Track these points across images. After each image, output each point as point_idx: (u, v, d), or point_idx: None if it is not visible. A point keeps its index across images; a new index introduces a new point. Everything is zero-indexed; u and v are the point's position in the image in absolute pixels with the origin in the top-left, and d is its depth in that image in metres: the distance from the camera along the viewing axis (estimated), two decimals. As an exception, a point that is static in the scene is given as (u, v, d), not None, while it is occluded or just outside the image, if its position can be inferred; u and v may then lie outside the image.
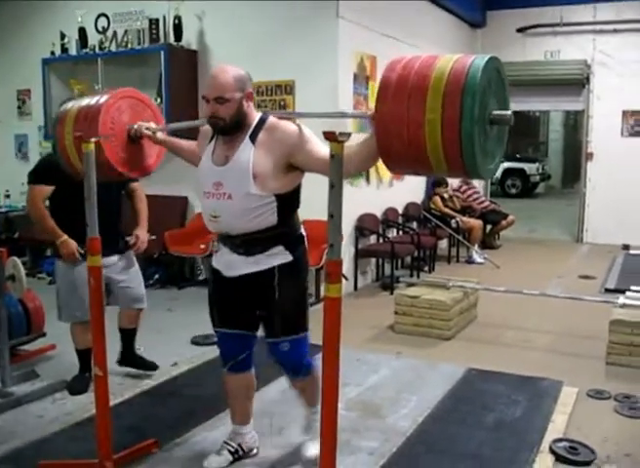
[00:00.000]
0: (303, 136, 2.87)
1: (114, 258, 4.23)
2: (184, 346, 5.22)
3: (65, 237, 4.14)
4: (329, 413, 2.34)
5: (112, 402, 3.56)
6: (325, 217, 2.18)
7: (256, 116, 2.98)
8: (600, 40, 10.32)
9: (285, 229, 3.01)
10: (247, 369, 3.33)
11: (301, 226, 3.17)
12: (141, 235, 4.37)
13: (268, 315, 3.06)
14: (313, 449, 3.12)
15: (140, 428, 3.66)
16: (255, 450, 3.47)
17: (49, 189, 4.08)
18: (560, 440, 3.57)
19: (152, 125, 3.28)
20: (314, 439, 3.02)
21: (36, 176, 4.19)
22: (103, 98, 3.14)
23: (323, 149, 2.79)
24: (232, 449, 3.38)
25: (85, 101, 3.20)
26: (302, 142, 2.86)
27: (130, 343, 4.53)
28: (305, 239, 3.17)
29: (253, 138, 2.92)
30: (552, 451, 3.44)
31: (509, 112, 2.37)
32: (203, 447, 3.50)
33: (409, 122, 2.21)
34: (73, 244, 4.10)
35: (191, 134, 3.45)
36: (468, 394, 4.29)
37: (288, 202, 2.99)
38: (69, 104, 3.27)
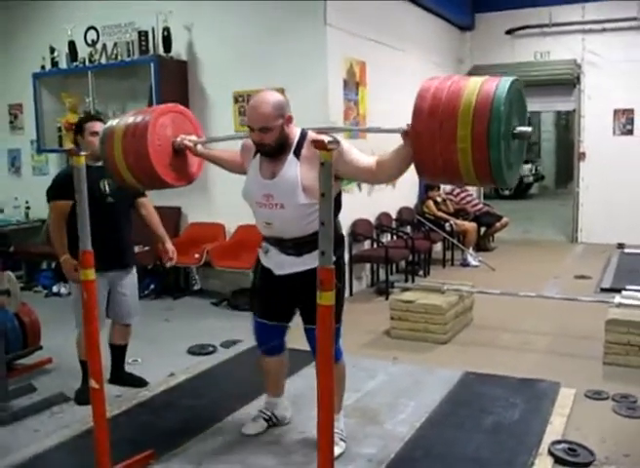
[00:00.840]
0: (343, 147, 3.11)
1: (125, 272, 4.38)
2: (181, 356, 5.21)
3: (66, 256, 4.14)
4: (325, 420, 2.35)
5: (110, 414, 3.57)
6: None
7: (296, 133, 3.28)
8: (589, 40, 10.35)
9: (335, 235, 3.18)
10: (279, 352, 3.70)
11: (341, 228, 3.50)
12: (170, 246, 4.49)
13: (310, 307, 3.06)
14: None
15: (138, 440, 3.65)
16: (287, 420, 3.87)
17: (69, 204, 4.01)
18: (559, 442, 3.57)
19: (194, 138, 3.55)
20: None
21: (56, 192, 4.25)
22: (149, 116, 3.39)
23: (361, 159, 3.20)
24: (267, 417, 3.81)
25: (130, 119, 3.43)
26: (342, 154, 3.10)
27: (120, 360, 4.61)
28: (345, 239, 3.54)
29: (297, 154, 3.23)
30: (551, 454, 3.44)
31: (530, 129, 2.69)
32: (201, 457, 3.49)
33: (442, 149, 2.54)
34: (72, 262, 4.04)
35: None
36: (466, 398, 4.29)
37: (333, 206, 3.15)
38: (114, 122, 3.49)
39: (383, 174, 3.18)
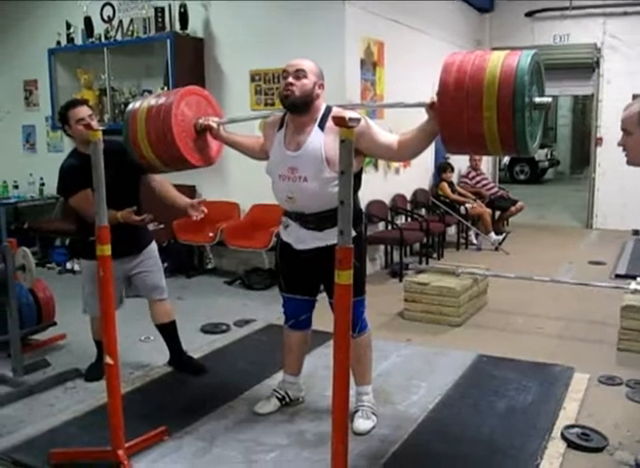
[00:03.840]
0: (367, 123, 3.21)
1: (136, 255, 4.24)
2: (194, 334, 5.22)
3: (121, 213, 3.87)
4: (340, 400, 2.34)
5: (124, 390, 3.58)
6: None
7: (322, 106, 3.33)
8: (610, 23, 10.20)
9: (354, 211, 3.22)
10: (306, 327, 3.75)
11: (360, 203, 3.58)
12: (188, 200, 4.28)
13: (332, 280, 3.08)
14: (364, 425, 3.53)
15: (151, 416, 3.67)
16: (300, 399, 3.89)
17: (89, 192, 3.70)
18: (572, 426, 3.56)
19: (215, 119, 3.61)
20: (363, 415, 3.56)
21: (73, 186, 4.02)
22: (172, 97, 3.48)
23: (383, 136, 3.26)
24: (280, 396, 3.82)
25: (153, 100, 3.53)
26: (366, 129, 3.19)
27: (172, 341, 4.42)
28: (364, 215, 3.60)
29: (321, 126, 3.27)
30: (564, 438, 3.43)
31: (549, 99, 2.79)
32: (213, 435, 3.51)
33: (468, 119, 2.64)
34: (127, 214, 3.88)
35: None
36: (479, 380, 4.28)
37: (354, 182, 3.13)
38: (137, 103, 3.57)
39: (407, 150, 3.25)
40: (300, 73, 3.23)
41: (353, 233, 3.18)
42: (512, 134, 2.63)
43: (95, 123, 4.01)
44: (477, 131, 2.66)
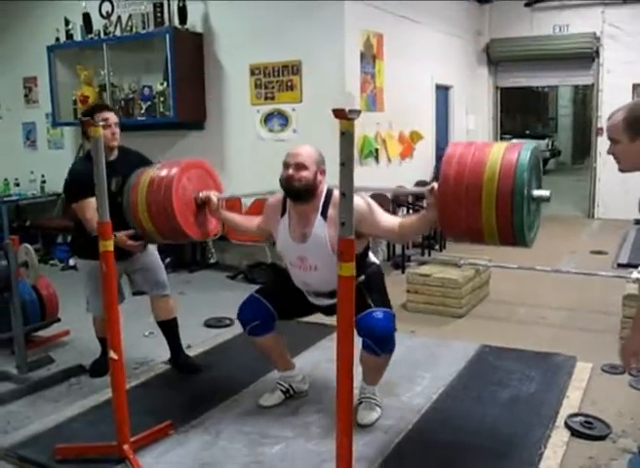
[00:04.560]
0: (366, 209, 3.22)
1: (134, 256, 4.19)
2: (198, 329, 5.24)
3: (119, 234, 3.76)
4: (344, 392, 2.35)
5: (128, 385, 3.60)
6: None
7: (324, 189, 3.34)
8: (609, 12, 10.18)
9: (363, 266, 3.37)
10: (267, 332, 3.65)
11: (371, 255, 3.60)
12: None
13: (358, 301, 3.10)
14: (369, 416, 3.54)
15: (156, 411, 3.68)
16: (304, 392, 3.90)
17: (94, 200, 3.85)
18: (575, 415, 3.57)
19: (216, 193, 3.66)
20: (367, 407, 3.57)
21: (78, 193, 3.92)
22: (174, 169, 3.54)
23: (385, 220, 3.28)
24: (284, 389, 3.83)
25: (154, 172, 3.57)
26: (367, 215, 3.21)
27: (172, 340, 4.39)
28: (377, 263, 3.62)
29: (324, 215, 3.32)
30: (568, 426, 3.44)
31: (548, 193, 2.82)
32: (218, 428, 3.52)
33: (467, 213, 2.69)
34: (122, 237, 3.80)
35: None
36: (482, 371, 4.29)
37: (363, 255, 3.41)
38: (139, 173, 3.60)
39: (408, 234, 3.37)
40: (300, 165, 3.24)
41: (362, 277, 3.34)
42: (510, 228, 2.69)
43: (118, 132, 4.03)
44: (475, 224, 2.71)
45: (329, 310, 3.48)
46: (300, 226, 3.38)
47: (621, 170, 2.62)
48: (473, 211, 2.68)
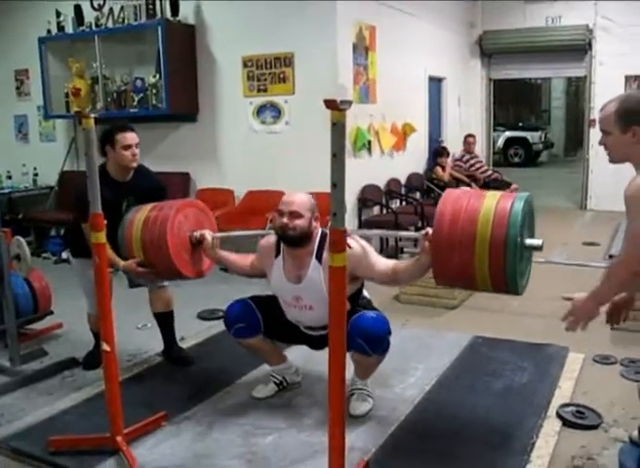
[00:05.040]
0: (361, 252, 3.24)
1: None
2: (191, 321, 5.24)
3: (124, 263, 3.78)
4: (336, 383, 2.36)
5: (121, 377, 3.60)
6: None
7: (318, 233, 3.37)
8: (602, 4, 10.18)
9: (355, 309, 3.38)
10: (252, 335, 3.65)
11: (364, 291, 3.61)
12: None
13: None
14: (361, 407, 3.55)
15: (150, 402, 3.69)
16: (297, 383, 3.92)
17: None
18: (567, 405, 3.59)
19: (210, 232, 3.71)
20: (359, 398, 3.58)
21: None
22: (170, 209, 3.59)
23: (379, 264, 3.28)
24: (277, 381, 3.85)
25: (151, 211, 3.61)
26: (361, 259, 3.22)
27: (167, 332, 4.38)
28: (367, 297, 3.62)
29: (319, 258, 3.33)
30: (559, 416, 3.46)
31: (540, 242, 2.90)
32: (212, 419, 3.53)
33: (460, 261, 2.74)
34: (132, 264, 3.76)
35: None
36: (475, 361, 4.31)
37: (356, 296, 3.46)
38: (134, 212, 3.65)
39: (402, 279, 3.33)
40: (294, 214, 3.25)
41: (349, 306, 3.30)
42: (503, 275, 2.74)
43: (138, 154, 3.97)
44: (468, 270, 2.75)
45: (318, 343, 3.52)
46: (295, 268, 3.41)
47: (612, 161, 2.64)
48: (466, 258, 2.73)
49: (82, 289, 4.22)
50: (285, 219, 3.26)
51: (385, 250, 7.69)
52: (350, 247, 2.92)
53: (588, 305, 2.67)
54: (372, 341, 3.28)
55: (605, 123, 2.56)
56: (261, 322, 3.59)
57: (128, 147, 3.90)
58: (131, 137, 3.94)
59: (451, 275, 2.87)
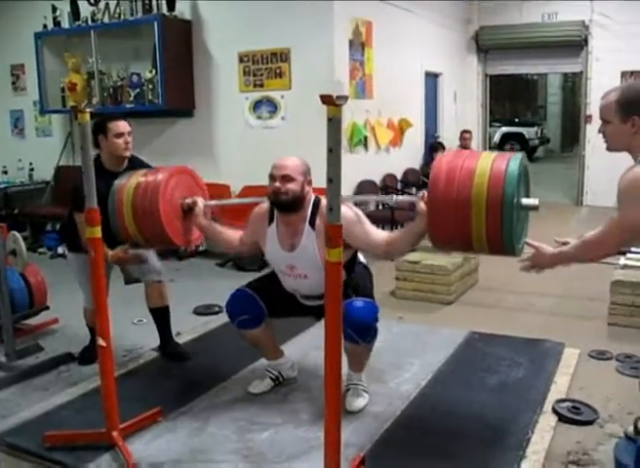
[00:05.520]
0: (354, 218, 3.21)
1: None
2: (187, 316, 5.24)
3: (110, 252, 3.83)
4: (332, 379, 2.36)
5: (117, 372, 3.59)
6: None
7: (311, 199, 3.35)
8: (598, 1, 10.19)
9: (351, 274, 3.40)
10: (256, 326, 3.62)
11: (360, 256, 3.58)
12: None
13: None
14: (357, 402, 3.55)
15: (145, 398, 3.68)
16: (293, 379, 3.91)
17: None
18: (563, 400, 3.60)
19: (201, 201, 3.60)
20: (354, 393, 3.58)
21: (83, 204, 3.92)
22: (161, 175, 3.50)
23: (373, 234, 3.25)
24: (273, 376, 3.84)
25: (141, 177, 3.52)
26: (354, 226, 3.18)
27: (163, 327, 4.38)
28: (364, 262, 3.60)
29: (312, 224, 3.31)
30: (555, 412, 3.47)
31: (536, 201, 2.88)
32: (207, 415, 3.52)
33: (457, 221, 2.71)
34: (119, 253, 3.85)
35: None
36: (471, 357, 4.31)
37: (351, 262, 3.42)
38: (124, 179, 3.54)
39: (395, 249, 3.28)
40: (286, 177, 3.22)
41: (352, 274, 3.39)
42: (500, 236, 2.71)
43: (131, 142, 3.99)
44: (465, 232, 2.72)
45: (320, 312, 3.45)
46: (289, 236, 3.38)
47: (609, 149, 2.65)
48: (462, 219, 2.70)
49: (78, 283, 4.21)
50: (277, 183, 3.23)
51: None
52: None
53: (550, 261, 2.87)
54: (359, 330, 3.27)
55: (605, 111, 2.56)
56: (265, 309, 3.57)
57: (120, 135, 3.91)
58: (123, 126, 3.95)
59: (447, 237, 2.83)
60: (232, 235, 3.69)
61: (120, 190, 3.49)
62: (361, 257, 3.60)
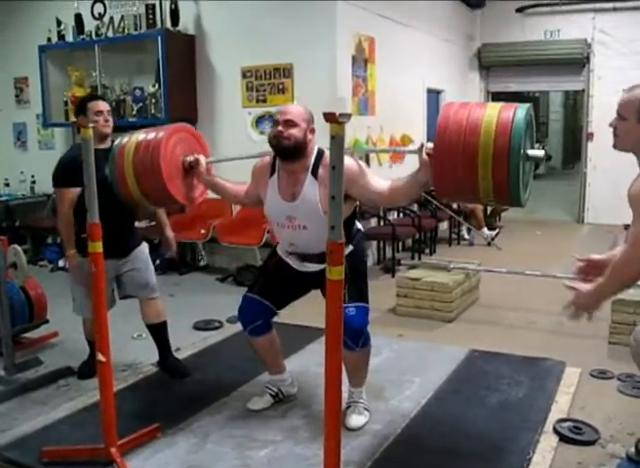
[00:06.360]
0: (357, 170, 3.18)
1: (126, 256, 4.20)
2: (187, 331, 5.22)
3: (72, 251, 4.01)
4: (332, 396, 2.34)
5: (116, 387, 3.57)
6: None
7: (314, 149, 3.30)
8: (600, 19, 10.24)
9: (350, 234, 3.36)
10: (266, 331, 3.64)
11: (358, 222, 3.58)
12: (170, 234, 4.44)
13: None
14: (357, 420, 3.54)
15: (144, 413, 3.67)
16: (293, 395, 3.89)
17: (76, 191, 3.92)
18: (564, 420, 3.57)
19: (203, 158, 3.54)
20: (355, 411, 3.57)
21: (61, 179, 4.06)
22: (161, 133, 3.44)
23: (375, 183, 3.22)
24: (273, 393, 3.82)
25: (141, 135, 3.46)
26: (357, 177, 3.16)
27: (161, 342, 4.38)
28: (361, 229, 3.62)
29: (315, 174, 3.27)
30: (556, 432, 3.44)
31: (542, 153, 2.85)
32: (206, 431, 3.51)
33: (463, 172, 2.66)
34: (77, 260, 3.99)
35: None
36: (471, 375, 4.30)
37: (351, 219, 3.41)
38: (125, 138, 3.49)
39: (398, 197, 3.26)
40: (289, 122, 3.20)
41: (350, 247, 3.34)
42: (506, 186, 2.67)
43: (111, 120, 4.09)
44: (471, 183, 2.69)
45: (320, 281, 3.38)
46: (290, 185, 3.32)
47: (616, 147, 2.61)
48: (469, 169, 2.66)
49: (75, 289, 4.20)
50: (280, 128, 3.21)
51: (383, 261, 7.69)
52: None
53: (590, 300, 2.69)
54: (352, 335, 3.24)
55: (624, 107, 2.52)
56: (272, 307, 3.58)
57: (99, 113, 4.01)
58: (102, 105, 4.07)
59: (453, 188, 2.79)
60: (237, 188, 3.67)
61: (121, 150, 3.45)
62: (358, 225, 3.58)
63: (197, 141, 3.71)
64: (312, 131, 3.28)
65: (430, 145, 2.84)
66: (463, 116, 2.72)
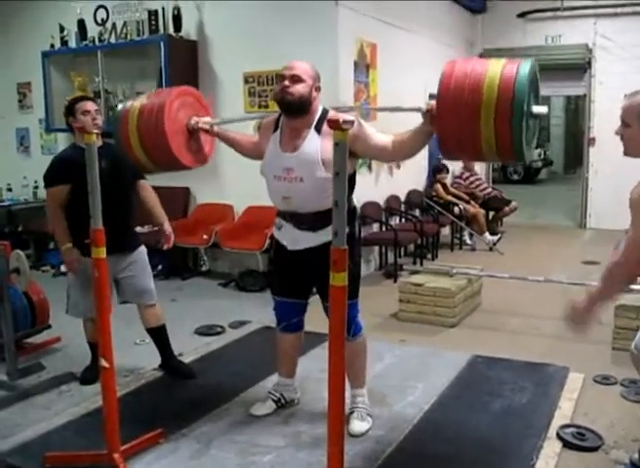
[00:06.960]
0: (361, 126, 3.20)
1: (124, 256, 4.19)
2: (189, 337, 5.22)
3: (68, 246, 4.07)
4: (335, 401, 2.34)
5: (119, 393, 3.57)
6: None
7: (319, 108, 3.32)
8: (601, 24, 10.23)
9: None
10: (299, 329, 3.72)
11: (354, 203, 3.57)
12: (168, 228, 4.41)
13: (326, 283, 3.09)
14: (360, 426, 3.54)
15: (147, 419, 3.67)
16: (296, 401, 3.89)
17: (64, 189, 4.00)
18: (567, 426, 3.57)
19: (208, 119, 3.60)
20: (358, 417, 3.56)
21: (50, 179, 4.11)
22: (164, 97, 3.48)
23: (378, 138, 3.26)
24: (275, 398, 3.83)
25: (145, 99, 3.49)
26: (360, 132, 3.18)
27: (163, 345, 4.41)
28: (358, 215, 3.63)
29: (318, 129, 3.27)
30: (559, 437, 3.44)
31: (546, 109, 2.87)
32: (209, 437, 3.51)
33: (466, 127, 2.67)
34: (75, 253, 4.04)
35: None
36: (474, 381, 4.29)
37: (348, 183, 3.17)
38: (129, 103, 3.52)
39: (401, 151, 3.27)
40: (295, 78, 3.21)
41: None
42: (509, 141, 2.66)
43: (100, 119, 4.13)
44: (475, 138, 2.68)
45: (318, 272, 3.25)
46: (292, 139, 3.34)
47: (626, 154, 2.60)
48: (472, 124, 2.66)
49: (73, 289, 4.23)
50: (286, 82, 3.22)
51: (385, 266, 7.68)
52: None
53: (584, 307, 2.72)
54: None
55: (627, 113, 2.52)
56: (304, 302, 3.65)
57: (87, 112, 4.06)
58: (89, 105, 4.13)
59: (456, 144, 2.80)
60: (247, 141, 3.73)
61: (125, 115, 3.46)
62: (355, 201, 3.59)
63: (200, 104, 3.72)
64: (318, 89, 3.31)
65: (433, 103, 2.84)
66: (467, 71, 2.72)
